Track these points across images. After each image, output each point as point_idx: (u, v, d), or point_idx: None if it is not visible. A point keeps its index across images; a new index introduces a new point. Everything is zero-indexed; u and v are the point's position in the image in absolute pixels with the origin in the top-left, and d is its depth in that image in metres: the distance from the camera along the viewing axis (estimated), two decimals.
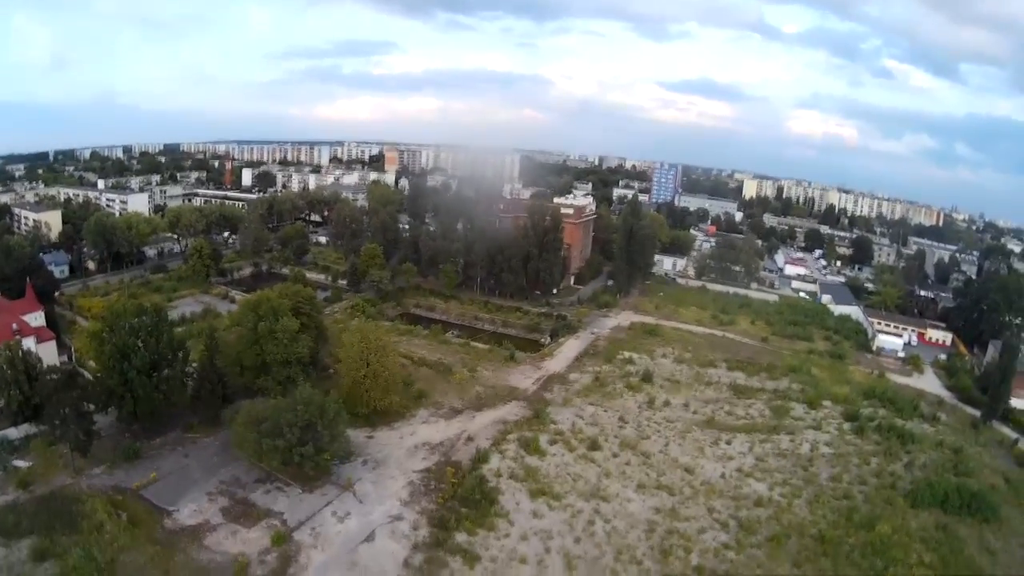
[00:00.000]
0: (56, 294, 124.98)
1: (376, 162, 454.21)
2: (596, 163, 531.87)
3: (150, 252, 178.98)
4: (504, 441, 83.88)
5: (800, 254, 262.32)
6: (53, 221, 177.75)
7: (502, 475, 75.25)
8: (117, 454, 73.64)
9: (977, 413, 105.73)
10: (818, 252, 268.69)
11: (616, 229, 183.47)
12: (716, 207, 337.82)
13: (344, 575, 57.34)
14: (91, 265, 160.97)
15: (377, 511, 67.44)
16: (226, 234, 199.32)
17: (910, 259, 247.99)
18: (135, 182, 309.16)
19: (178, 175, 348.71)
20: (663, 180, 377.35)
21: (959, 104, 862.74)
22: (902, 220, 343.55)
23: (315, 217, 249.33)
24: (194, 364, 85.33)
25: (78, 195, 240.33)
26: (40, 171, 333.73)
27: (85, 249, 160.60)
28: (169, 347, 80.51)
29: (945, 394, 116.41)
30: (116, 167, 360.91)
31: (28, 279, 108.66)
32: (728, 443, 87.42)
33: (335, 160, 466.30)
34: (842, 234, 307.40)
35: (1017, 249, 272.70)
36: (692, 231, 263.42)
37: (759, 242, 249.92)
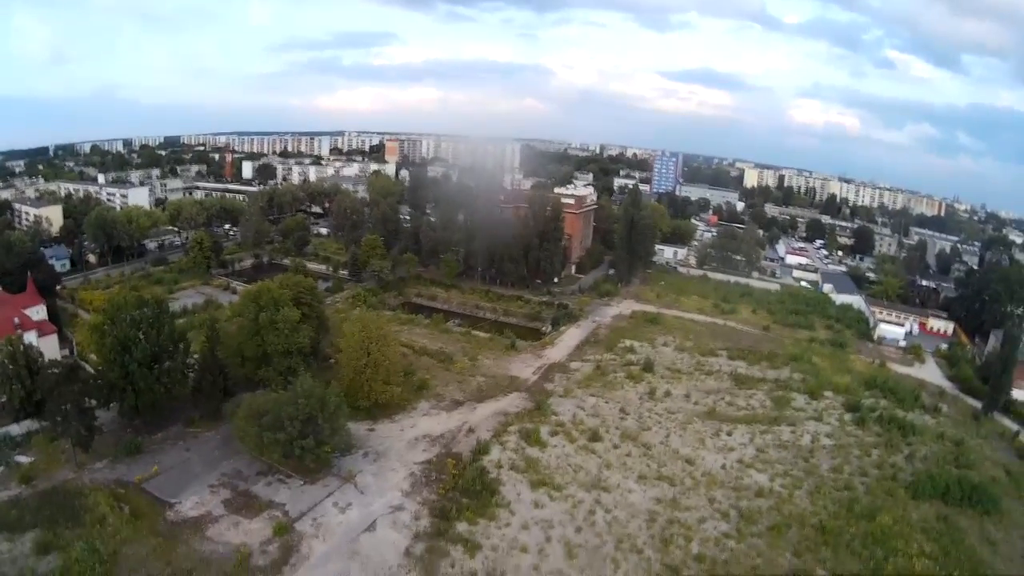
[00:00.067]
0: (57, 288, 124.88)
1: (377, 152, 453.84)
2: (597, 152, 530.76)
3: (151, 245, 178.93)
4: (505, 433, 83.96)
5: (801, 244, 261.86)
6: (54, 216, 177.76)
7: (503, 466, 75.39)
8: (119, 449, 73.70)
9: (978, 404, 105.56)
10: (819, 242, 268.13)
11: (617, 219, 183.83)
12: (717, 197, 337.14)
13: (345, 564, 57.50)
14: (92, 259, 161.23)
15: (378, 502, 67.61)
16: (227, 226, 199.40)
17: (912, 249, 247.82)
18: (135, 176, 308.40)
19: (178, 168, 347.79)
20: (664, 169, 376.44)
21: (961, 94, 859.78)
22: (904, 210, 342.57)
23: (316, 209, 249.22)
24: (195, 356, 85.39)
25: (78, 190, 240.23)
26: (40, 166, 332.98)
27: (86, 243, 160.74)
28: (170, 339, 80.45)
29: (946, 384, 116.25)
30: (116, 161, 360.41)
31: (29, 273, 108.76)
32: (729, 434, 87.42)
33: (335, 151, 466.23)
34: (843, 224, 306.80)
35: (1019, 240, 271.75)
36: (693, 221, 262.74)
37: (760, 232, 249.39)
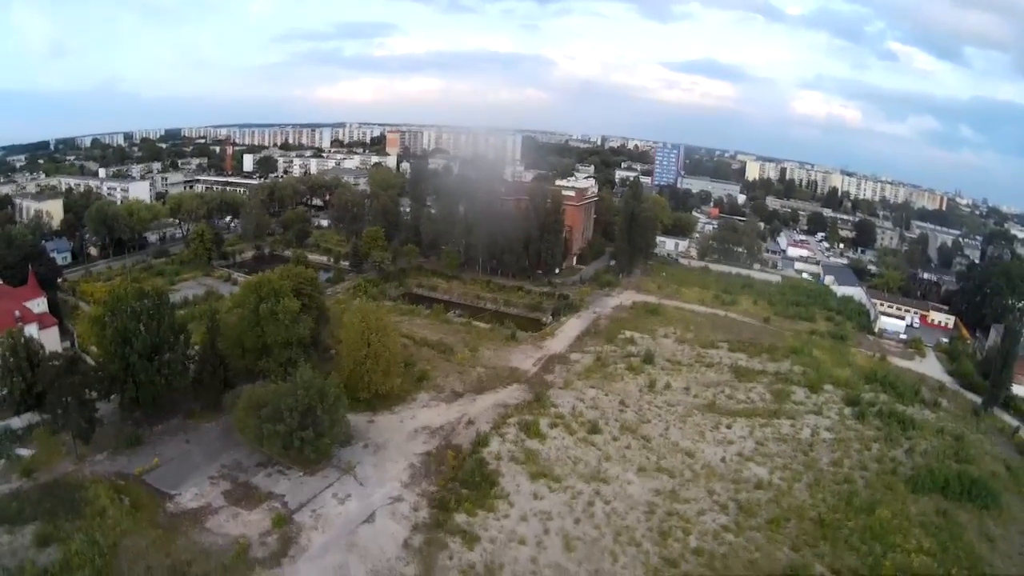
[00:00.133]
0: (59, 280, 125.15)
1: (378, 144, 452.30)
2: (599, 144, 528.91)
3: (152, 238, 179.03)
4: (504, 424, 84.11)
5: (803, 237, 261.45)
6: (55, 210, 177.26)
7: (502, 458, 75.57)
8: (119, 441, 73.92)
9: (978, 399, 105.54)
10: (821, 235, 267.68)
11: (618, 211, 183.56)
12: (719, 189, 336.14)
13: (344, 555, 57.74)
14: (93, 251, 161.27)
15: (378, 493, 67.85)
16: (227, 219, 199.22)
17: (913, 243, 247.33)
18: (136, 170, 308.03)
19: (179, 162, 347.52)
20: (665, 162, 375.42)
21: (963, 87, 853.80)
22: (905, 204, 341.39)
23: (316, 202, 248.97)
24: (196, 347, 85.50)
25: (79, 184, 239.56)
26: (41, 161, 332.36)
27: (87, 236, 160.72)
28: (171, 330, 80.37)
29: (946, 379, 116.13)
30: (117, 155, 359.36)
31: (30, 266, 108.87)
32: (729, 427, 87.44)
33: (337, 143, 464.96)
34: (845, 217, 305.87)
35: (1020, 235, 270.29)
36: (694, 213, 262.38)
37: (762, 224, 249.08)
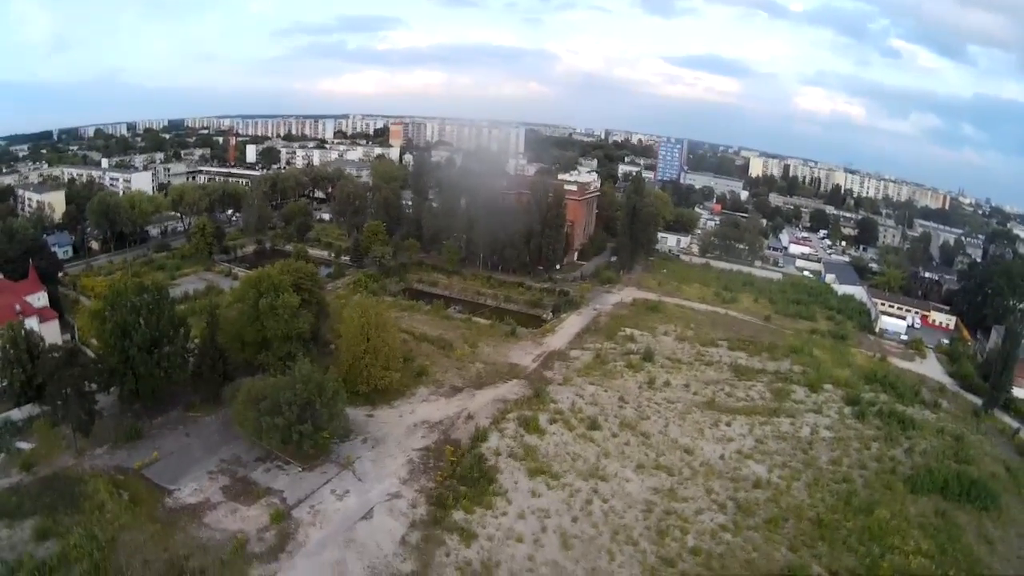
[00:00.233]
0: (59, 275, 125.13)
1: (381, 136, 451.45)
2: (602, 138, 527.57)
3: (153, 231, 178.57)
4: (503, 420, 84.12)
5: (805, 234, 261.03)
6: (56, 202, 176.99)
7: (501, 454, 75.62)
8: (119, 434, 74.00)
9: (979, 401, 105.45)
10: (823, 232, 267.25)
11: (620, 206, 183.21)
12: (722, 185, 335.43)
13: (341, 552, 57.79)
14: (95, 245, 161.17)
15: (376, 489, 67.90)
16: (229, 212, 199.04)
17: (915, 241, 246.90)
18: (139, 160, 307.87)
19: (182, 152, 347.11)
20: (668, 157, 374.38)
21: (966, 85, 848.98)
22: (908, 202, 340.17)
23: (319, 194, 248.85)
24: (196, 341, 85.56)
25: (82, 175, 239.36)
26: (44, 151, 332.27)
27: (88, 229, 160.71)
28: (170, 324, 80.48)
29: (947, 380, 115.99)
30: (120, 145, 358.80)
31: (31, 260, 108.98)
32: (728, 425, 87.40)
33: (340, 134, 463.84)
34: (848, 215, 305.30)
35: (1022, 234, 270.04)
36: (697, 209, 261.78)
37: (764, 221, 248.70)
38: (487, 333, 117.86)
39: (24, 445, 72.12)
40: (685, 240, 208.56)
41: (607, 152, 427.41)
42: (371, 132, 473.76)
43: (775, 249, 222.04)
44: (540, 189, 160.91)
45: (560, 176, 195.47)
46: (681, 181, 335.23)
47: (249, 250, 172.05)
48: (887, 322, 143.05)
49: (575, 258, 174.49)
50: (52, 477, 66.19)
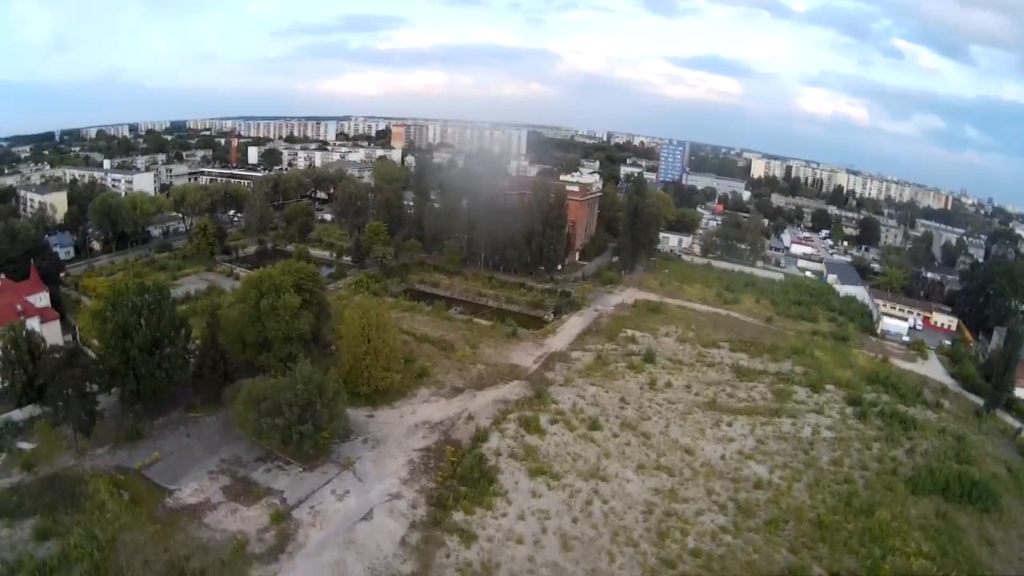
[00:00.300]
0: (61, 275, 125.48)
1: (383, 138, 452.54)
2: (604, 139, 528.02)
3: (155, 232, 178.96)
4: (504, 420, 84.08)
5: (807, 234, 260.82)
6: (58, 203, 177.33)
7: (501, 454, 75.58)
8: (120, 434, 74.09)
9: (980, 401, 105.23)
10: (825, 232, 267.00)
11: (622, 206, 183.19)
12: (724, 186, 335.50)
13: (341, 552, 57.76)
14: (96, 246, 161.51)
15: (376, 489, 67.87)
16: (231, 212, 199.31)
17: (917, 241, 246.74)
18: (141, 161, 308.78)
19: (184, 154, 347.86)
20: (671, 158, 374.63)
21: (968, 86, 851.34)
22: (910, 203, 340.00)
23: (321, 194, 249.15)
24: (197, 341, 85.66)
25: (83, 176, 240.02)
26: (46, 152, 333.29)
27: (90, 230, 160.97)
28: (171, 325, 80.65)
29: (949, 381, 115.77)
30: (122, 146, 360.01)
31: (32, 261, 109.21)
32: (729, 425, 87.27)
33: (342, 136, 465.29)
34: (850, 215, 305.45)
35: None
36: (699, 209, 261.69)
37: (765, 221, 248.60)
38: (488, 334, 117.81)
39: (25, 445, 72.26)
40: (687, 240, 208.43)
41: (609, 154, 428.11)
42: (373, 134, 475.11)
43: (777, 249, 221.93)
44: (542, 190, 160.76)
45: (562, 177, 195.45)
46: (683, 182, 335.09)
47: (251, 250, 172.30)
48: (889, 323, 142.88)
49: (576, 259, 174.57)
50: (53, 477, 66.27)
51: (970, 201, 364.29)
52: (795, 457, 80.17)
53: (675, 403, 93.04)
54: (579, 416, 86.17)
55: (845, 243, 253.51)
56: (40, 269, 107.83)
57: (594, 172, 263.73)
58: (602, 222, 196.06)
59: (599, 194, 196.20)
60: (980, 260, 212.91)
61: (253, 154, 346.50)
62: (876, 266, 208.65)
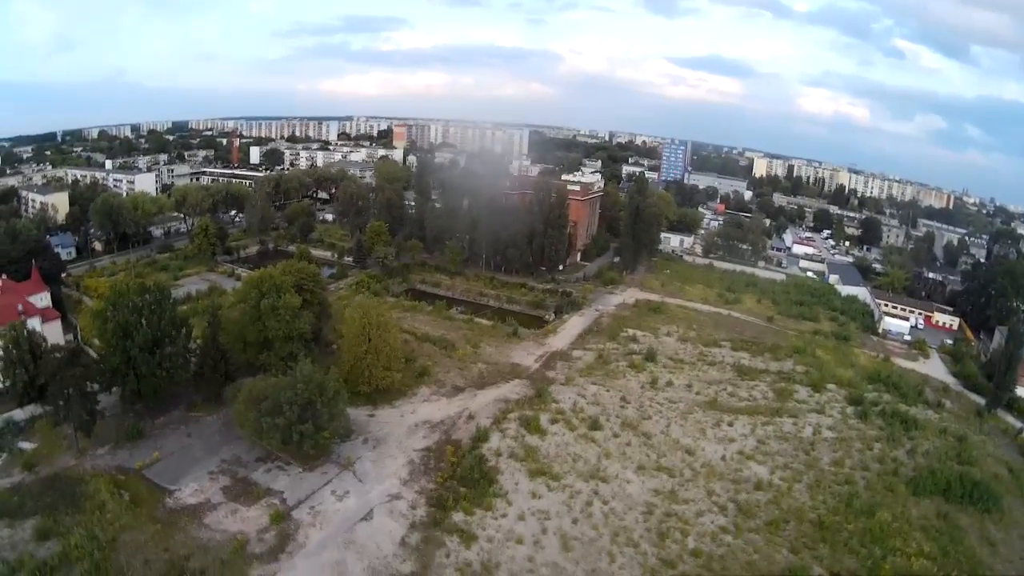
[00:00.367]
0: (63, 275, 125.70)
1: (384, 137, 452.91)
2: (606, 139, 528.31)
3: (157, 232, 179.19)
4: (505, 420, 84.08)
5: (809, 234, 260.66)
6: (60, 203, 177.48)
7: (502, 454, 75.57)
8: (121, 434, 74.17)
9: (982, 401, 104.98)
10: (826, 232, 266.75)
11: (623, 206, 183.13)
12: (726, 185, 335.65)
13: (341, 553, 57.77)
14: (98, 246, 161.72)
15: (376, 490, 67.87)
16: (232, 213, 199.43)
17: (919, 241, 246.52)
18: (143, 161, 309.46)
19: (186, 154, 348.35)
20: (672, 157, 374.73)
21: (970, 86, 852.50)
22: (912, 202, 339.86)
23: (322, 195, 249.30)
24: (198, 341, 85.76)
25: (85, 176, 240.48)
26: (48, 152, 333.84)
27: (92, 230, 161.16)
28: (172, 324, 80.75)
29: (950, 380, 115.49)
30: (124, 146, 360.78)
31: (33, 261, 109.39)
32: (730, 425, 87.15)
33: (343, 136, 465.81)
34: (851, 215, 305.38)
35: None
36: (700, 209, 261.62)
37: (767, 221, 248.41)
38: (489, 333, 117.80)
39: (26, 445, 72.35)
40: (688, 240, 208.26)
41: (611, 153, 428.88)
42: (375, 134, 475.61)
43: (778, 249, 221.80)
44: (543, 189, 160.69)
45: (563, 177, 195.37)
46: (685, 182, 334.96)
47: (252, 251, 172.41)
48: (890, 323, 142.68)
49: (578, 259, 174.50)
50: (53, 477, 66.35)
51: (972, 201, 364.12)
52: (796, 457, 80.00)
53: (676, 402, 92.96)
54: (580, 415, 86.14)
55: (847, 243, 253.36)
56: (41, 269, 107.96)
57: (596, 172, 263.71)
58: (603, 222, 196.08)
59: (600, 194, 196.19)
60: (982, 260, 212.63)
61: (255, 154, 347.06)
62: (878, 266, 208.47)
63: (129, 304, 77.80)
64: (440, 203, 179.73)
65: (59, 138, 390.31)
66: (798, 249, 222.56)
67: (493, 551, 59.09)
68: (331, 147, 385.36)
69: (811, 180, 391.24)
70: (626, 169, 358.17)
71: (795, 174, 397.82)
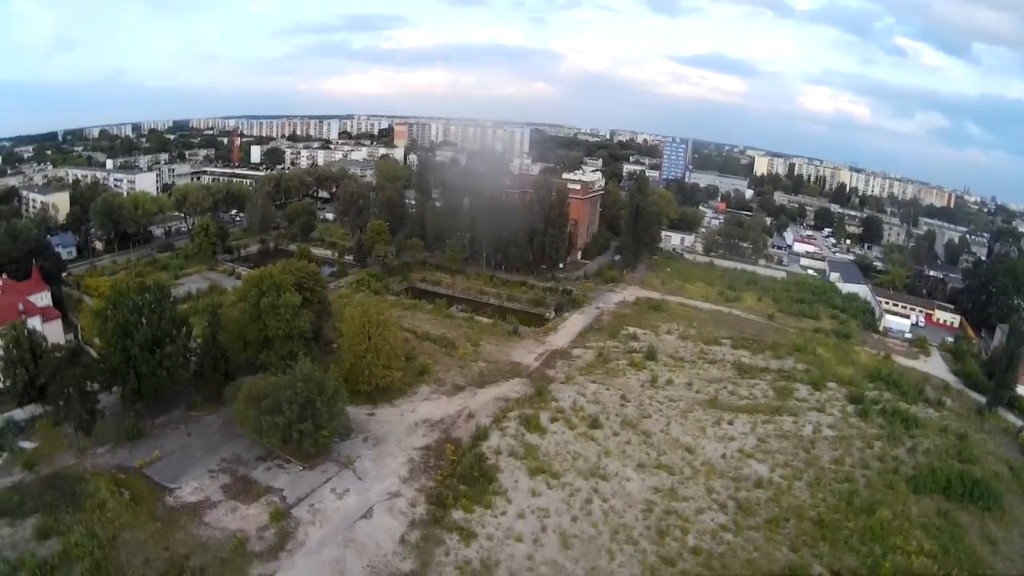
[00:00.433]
0: (63, 275, 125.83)
1: (386, 136, 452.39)
2: (607, 137, 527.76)
3: (157, 231, 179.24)
4: (505, 418, 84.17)
5: (810, 232, 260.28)
6: (60, 203, 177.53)
7: (501, 452, 75.65)
8: (121, 433, 74.27)
9: (983, 399, 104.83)
10: (827, 230, 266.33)
11: (624, 204, 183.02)
12: (727, 184, 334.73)
13: (341, 551, 57.85)
14: (99, 245, 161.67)
15: (376, 488, 67.94)
16: (233, 212, 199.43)
17: (920, 239, 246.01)
18: (143, 161, 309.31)
19: (187, 153, 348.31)
20: (673, 156, 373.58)
21: (971, 84, 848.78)
22: (913, 200, 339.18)
23: (323, 193, 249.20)
24: (198, 340, 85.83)
25: (86, 176, 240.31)
26: (49, 152, 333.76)
27: (92, 230, 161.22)
28: (172, 323, 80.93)
29: (951, 378, 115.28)
30: (125, 146, 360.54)
31: (34, 261, 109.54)
32: (730, 423, 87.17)
33: (344, 134, 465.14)
34: (852, 213, 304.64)
35: None
36: (701, 207, 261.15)
37: (768, 219, 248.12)
38: (489, 332, 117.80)
39: (27, 444, 72.46)
40: (689, 239, 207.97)
41: (612, 152, 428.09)
42: (376, 132, 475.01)
43: (779, 248, 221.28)
44: (543, 188, 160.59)
45: (564, 175, 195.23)
46: (686, 180, 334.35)
47: (253, 250, 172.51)
48: (891, 320, 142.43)
49: (578, 257, 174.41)
50: (54, 476, 66.44)
51: (973, 199, 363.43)
52: (796, 456, 80.00)
53: (676, 401, 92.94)
54: (579, 414, 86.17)
55: (848, 241, 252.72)
56: (42, 269, 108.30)
57: (597, 170, 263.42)
58: (604, 220, 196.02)
59: (601, 192, 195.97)
60: (983, 258, 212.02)
61: (256, 153, 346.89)
62: (879, 264, 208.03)
63: (129, 303, 77.95)
64: (441, 202, 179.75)
65: (60, 138, 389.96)
66: (799, 247, 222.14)
67: (493, 549, 59.14)
68: (332, 146, 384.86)
69: (812, 179, 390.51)
70: (627, 168, 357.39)
71: (796, 173, 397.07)
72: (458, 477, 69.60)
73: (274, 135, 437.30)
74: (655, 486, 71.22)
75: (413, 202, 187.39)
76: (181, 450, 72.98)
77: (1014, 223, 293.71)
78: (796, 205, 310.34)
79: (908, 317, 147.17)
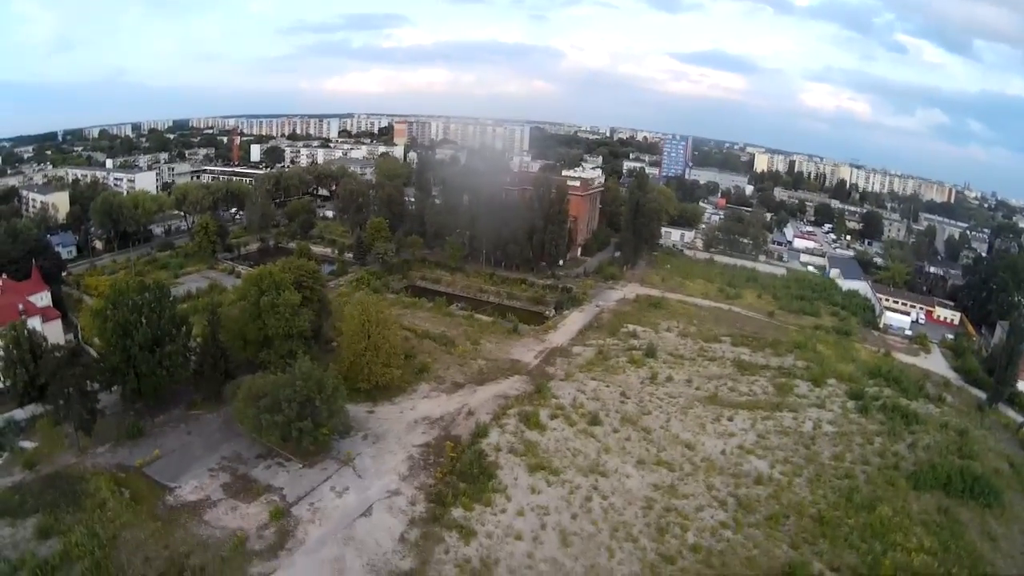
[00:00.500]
0: (63, 274, 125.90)
1: (385, 134, 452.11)
2: (607, 135, 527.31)
3: (157, 230, 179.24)
4: (504, 415, 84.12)
5: (810, 228, 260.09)
6: (60, 202, 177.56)
7: (501, 449, 75.61)
8: (121, 432, 74.33)
9: (983, 395, 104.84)
10: (828, 226, 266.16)
11: (624, 201, 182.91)
12: (727, 181, 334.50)
13: (340, 549, 57.89)
14: (98, 245, 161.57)
15: (375, 486, 67.96)
16: (233, 210, 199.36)
17: (920, 235, 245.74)
18: (143, 160, 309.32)
19: (186, 152, 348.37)
20: (673, 153, 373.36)
21: (972, 81, 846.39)
22: (913, 196, 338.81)
23: (323, 191, 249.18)
24: (197, 339, 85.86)
25: (86, 175, 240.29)
26: (49, 152, 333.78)
27: (92, 229, 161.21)
28: (171, 323, 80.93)
29: (951, 375, 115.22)
30: (125, 145, 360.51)
31: (34, 261, 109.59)
32: (730, 420, 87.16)
33: (344, 133, 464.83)
34: (852, 209, 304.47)
35: None
36: (701, 204, 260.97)
37: (768, 215, 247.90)
38: (489, 330, 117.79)
39: (27, 444, 72.52)
40: (689, 235, 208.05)
41: (612, 149, 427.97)
42: (376, 131, 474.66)
43: (779, 244, 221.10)
44: (543, 185, 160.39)
45: (564, 172, 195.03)
46: (686, 177, 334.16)
47: (253, 248, 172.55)
48: (891, 317, 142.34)
49: (578, 254, 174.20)
50: (54, 475, 66.51)
51: (973, 195, 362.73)
52: (796, 452, 79.98)
53: (676, 397, 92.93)
54: (579, 411, 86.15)
55: (848, 237, 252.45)
56: (42, 269, 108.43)
57: (597, 167, 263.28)
58: (604, 217, 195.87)
59: (601, 189, 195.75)
60: (983, 254, 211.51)
61: (256, 152, 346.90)
62: (879, 260, 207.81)
63: (129, 303, 77.96)
64: (440, 199, 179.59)
65: (60, 138, 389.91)
66: (799, 243, 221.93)
67: (492, 547, 59.16)
68: (332, 144, 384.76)
69: (812, 175, 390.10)
70: (627, 165, 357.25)
71: (796, 169, 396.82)
72: (458, 474, 69.62)
73: (274, 134, 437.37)
74: (655, 483, 71.23)
75: (413, 200, 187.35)
76: (181, 449, 73.04)
77: (1014, 219, 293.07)
78: (796, 201, 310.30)
79: (908, 314, 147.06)
